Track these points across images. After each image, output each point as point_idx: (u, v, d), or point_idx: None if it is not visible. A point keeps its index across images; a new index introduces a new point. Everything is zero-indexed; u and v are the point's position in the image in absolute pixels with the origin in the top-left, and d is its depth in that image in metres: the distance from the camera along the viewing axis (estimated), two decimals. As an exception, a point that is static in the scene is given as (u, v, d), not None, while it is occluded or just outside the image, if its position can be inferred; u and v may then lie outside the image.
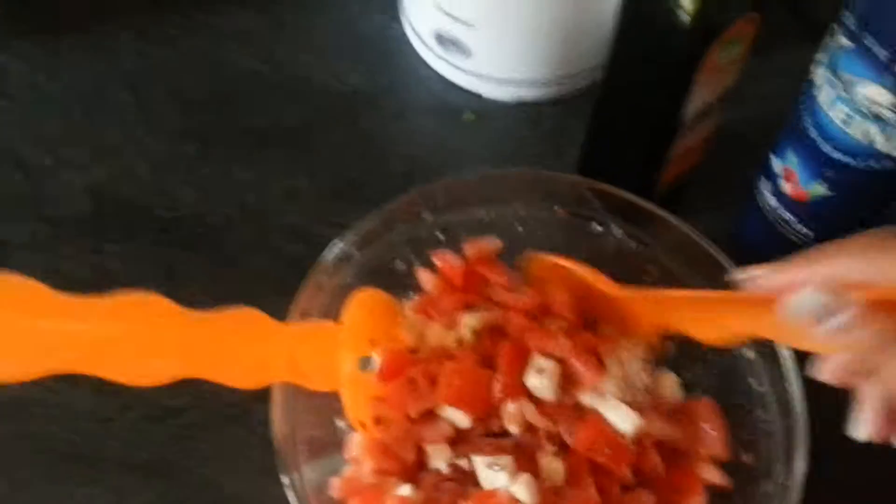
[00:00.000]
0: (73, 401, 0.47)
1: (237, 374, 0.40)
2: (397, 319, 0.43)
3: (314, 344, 0.41)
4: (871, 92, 0.40)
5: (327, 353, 0.41)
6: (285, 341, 0.41)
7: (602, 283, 0.43)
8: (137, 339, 0.39)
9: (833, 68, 0.42)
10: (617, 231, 0.48)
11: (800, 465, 0.39)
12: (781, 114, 0.48)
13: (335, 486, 0.41)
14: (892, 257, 0.32)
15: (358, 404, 0.41)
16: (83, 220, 0.54)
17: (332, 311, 0.43)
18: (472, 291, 0.46)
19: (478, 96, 0.60)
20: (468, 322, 0.43)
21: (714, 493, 0.43)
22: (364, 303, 0.43)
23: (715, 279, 0.45)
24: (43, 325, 0.38)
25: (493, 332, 0.43)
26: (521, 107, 0.60)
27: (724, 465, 0.43)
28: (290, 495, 0.38)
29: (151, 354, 0.39)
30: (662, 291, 0.42)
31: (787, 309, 0.33)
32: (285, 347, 0.41)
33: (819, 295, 0.32)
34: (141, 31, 0.62)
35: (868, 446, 0.35)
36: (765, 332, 0.39)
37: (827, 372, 0.34)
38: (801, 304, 0.32)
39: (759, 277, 0.35)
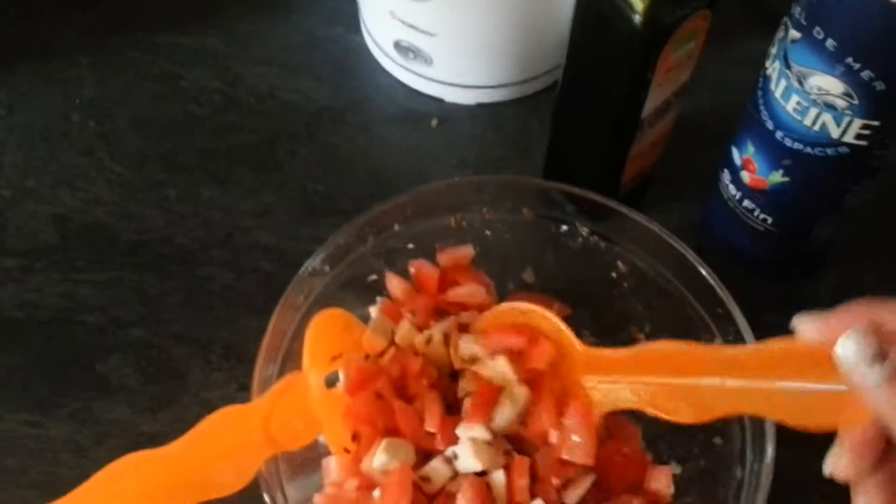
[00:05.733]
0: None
1: (228, 480, 0.39)
2: (357, 334, 0.44)
3: (287, 400, 0.41)
4: (823, 82, 0.41)
5: (302, 401, 0.41)
6: (259, 419, 0.40)
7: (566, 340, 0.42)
8: None
9: (785, 60, 0.43)
10: (584, 230, 0.48)
11: (770, 450, 0.40)
12: (739, 103, 0.49)
13: (318, 504, 0.41)
14: None
15: (335, 428, 0.41)
16: (50, 249, 0.53)
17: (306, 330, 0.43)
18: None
19: (440, 101, 0.61)
20: (439, 329, 0.44)
21: (688, 478, 0.44)
22: (322, 322, 0.43)
23: (681, 273, 0.46)
24: None
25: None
26: (482, 109, 0.61)
27: (697, 450, 0.44)
28: (275, 515, 0.38)
29: None
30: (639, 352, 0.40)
31: (836, 352, 0.30)
32: (260, 425, 0.40)
33: (862, 338, 0.30)
34: (99, 57, 0.62)
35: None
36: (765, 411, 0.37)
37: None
38: (846, 349, 0.30)
39: (803, 323, 0.33)
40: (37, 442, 0.47)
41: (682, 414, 0.37)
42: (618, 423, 0.45)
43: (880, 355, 0.29)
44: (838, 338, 0.31)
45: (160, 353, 0.50)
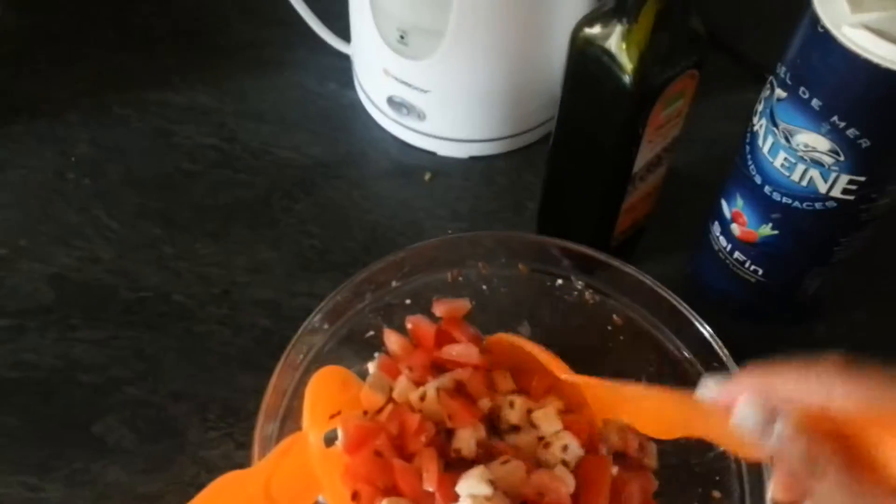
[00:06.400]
0: None
1: None
2: (356, 391, 0.44)
3: (289, 460, 0.41)
4: (809, 139, 0.42)
5: (303, 461, 0.41)
6: (261, 483, 0.40)
7: (556, 367, 0.44)
8: None
9: (772, 118, 0.44)
10: (578, 284, 0.49)
11: (769, 502, 0.40)
12: (727, 154, 0.50)
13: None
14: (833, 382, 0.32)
15: (335, 487, 0.41)
16: (45, 308, 0.53)
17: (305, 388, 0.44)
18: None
19: (433, 155, 0.62)
20: (434, 385, 0.44)
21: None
22: (321, 379, 0.43)
23: (676, 325, 0.46)
24: None
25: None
26: (475, 162, 0.62)
27: (696, 502, 0.44)
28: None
29: None
30: (615, 385, 0.42)
31: (733, 419, 0.33)
32: (262, 490, 0.40)
33: (754, 406, 0.32)
34: (90, 114, 0.63)
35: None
36: (714, 438, 0.40)
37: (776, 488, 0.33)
38: (743, 415, 0.33)
39: (710, 390, 0.35)
40: (33, 505, 0.47)
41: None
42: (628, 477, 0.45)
43: (771, 421, 0.32)
44: (736, 402, 0.33)
45: (157, 413, 0.50)
